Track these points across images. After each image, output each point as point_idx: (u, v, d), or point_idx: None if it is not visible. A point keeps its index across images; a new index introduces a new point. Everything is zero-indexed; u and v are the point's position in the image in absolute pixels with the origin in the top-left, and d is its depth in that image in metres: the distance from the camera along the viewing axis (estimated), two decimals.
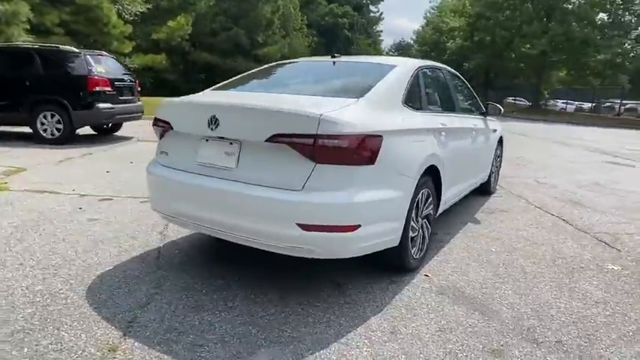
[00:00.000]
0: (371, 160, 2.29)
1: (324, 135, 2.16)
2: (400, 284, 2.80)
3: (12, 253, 2.98)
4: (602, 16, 25.44)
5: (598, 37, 24.31)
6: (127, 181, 5.18)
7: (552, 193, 5.67)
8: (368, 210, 2.30)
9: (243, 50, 31.60)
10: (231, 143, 2.43)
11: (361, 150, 2.23)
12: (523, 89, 36.86)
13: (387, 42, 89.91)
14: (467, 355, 2.08)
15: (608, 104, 27.94)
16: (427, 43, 50.23)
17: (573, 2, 25.65)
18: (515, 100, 37.54)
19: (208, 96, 2.91)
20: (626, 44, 24.76)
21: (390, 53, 70.89)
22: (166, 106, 2.83)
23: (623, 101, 27.26)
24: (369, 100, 2.54)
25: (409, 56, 66.87)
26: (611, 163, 8.92)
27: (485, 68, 35.58)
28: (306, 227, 2.18)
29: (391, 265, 2.87)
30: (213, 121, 2.42)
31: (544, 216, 4.56)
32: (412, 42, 71.83)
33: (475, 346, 2.16)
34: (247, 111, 2.42)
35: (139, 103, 9.36)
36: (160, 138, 2.85)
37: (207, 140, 2.53)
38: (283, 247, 2.32)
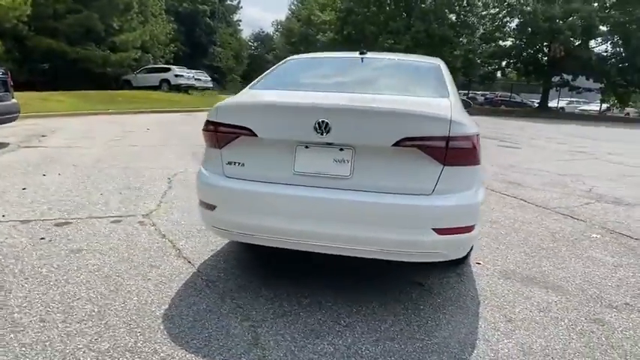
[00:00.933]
0: (479, 159, 2.37)
1: (454, 137, 2.17)
2: (468, 275, 2.97)
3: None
4: (452, 16, 29.61)
5: (453, 35, 28.28)
6: (63, 197, 4.26)
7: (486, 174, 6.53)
8: (480, 209, 2.39)
9: (97, 37, 27.96)
10: (341, 149, 2.25)
11: (477, 150, 2.30)
12: None
13: (245, 32, 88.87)
14: (585, 329, 2.35)
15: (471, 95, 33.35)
16: (295, 35, 51.50)
17: (429, 2, 29.32)
18: None
19: (296, 97, 2.52)
20: (475, 42, 29.32)
21: (251, 43, 70.41)
22: (244, 109, 2.46)
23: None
24: (455, 100, 2.61)
25: (272, 47, 67.49)
26: (503, 147, 10.57)
27: None
28: (440, 231, 2.17)
29: (457, 259, 2.98)
30: (323, 126, 2.20)
31: (504, 197, 5.25)
32: (274, 33, 72.68)
33: (578, 319, 2.45)
34: (370, 114, 2.25)
35: (14, 101, 7.65)
36: (220, 146, 2.45)
37: (306, 147, 2.29)
38: (414, 253, 2.27)
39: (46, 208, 3.94)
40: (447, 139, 2.16)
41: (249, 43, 68.93)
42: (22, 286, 2.51)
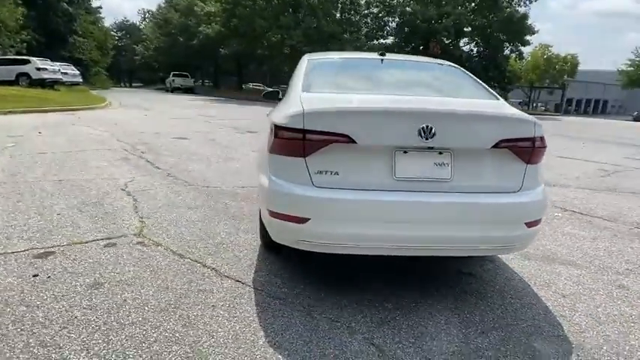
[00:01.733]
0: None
1: (537, 138, 2.39)
2: (498, 260, 3.27)
3: None
4: (337, 14, 31.05)
5: (341, 32, 29.64)
6: (12, 222, 3.50)
7: None
8: None
9: None
10: (440, 153, 2.30)
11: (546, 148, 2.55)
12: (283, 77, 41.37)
13: (107, 21, 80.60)
14: (619, 294, 2.80)
15: None
16: (174, 26, 48.49)
17: None
18: (254, 85, 43.25)
19: (395, 102, 2.49)
20: (361, 40, 31.15)
21: (114, 33, 64.29)
22: (343, 115, 2.32)
23: None
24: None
25: (142, 38, 62.09)
26: None
27: (241, 55, 37.52)
28: (529, 224, 2.38)
29: None
30: (428, 131, 2.23)
31: None
32: (141, 22, 67.35)
33: (607, 287, 2.91)
34: (473, 118, 2.36)
35: None
36: (306, 154, 2.29)
37: (405, 152, 2.29)
38: (503, 247, 2.45)
39: (15, 237, 3.20)
40: (533, 140, 2.38)
41: (113, 33, 62.75)
42: (71, 340, 2.04)
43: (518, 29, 28.92)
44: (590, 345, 2.22)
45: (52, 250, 3.02)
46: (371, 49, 32.14)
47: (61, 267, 2.76)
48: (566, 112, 54.35)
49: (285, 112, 2.47)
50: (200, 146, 8.04)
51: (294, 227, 2.33)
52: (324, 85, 2.88)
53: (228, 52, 35.53)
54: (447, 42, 30.12)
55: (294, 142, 2.31)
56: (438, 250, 2.42)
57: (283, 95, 4.90)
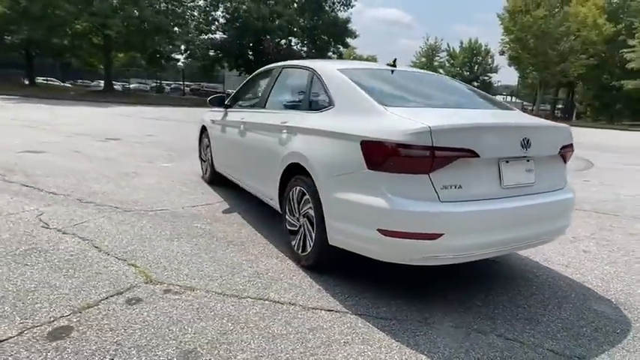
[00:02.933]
0: None
1: (572, 142, 2.93)
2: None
3: None
4: (163, 5, 28.61)
5: (169, 24, 27.39)
6: None
7: None
8: None
9: None
10: (528, 160, 2.61)
11: None
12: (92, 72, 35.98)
13: None
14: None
15: (174, 86, 33.15)
16: None
17: None
18: (47, 80, 37.11)
19: (500, 117, 2.91)
20: (192, 34, 29.41)
21: None
22: (466, 131, 2.41)
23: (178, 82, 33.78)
24: None
25: None
26: None
27: (31, 43, 31.04)
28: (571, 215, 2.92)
29: None
30: (526, 142, 2.52)
31: None
32: None
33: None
34: (549, 129, 2.77)
35: None
36: (431, 170, 2.32)
37: (507, 162, 2.51)
38: (558, 234, 2.90)
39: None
40: (571, 145, 2.91)
41: None
42: None
43: (341, 32, 32.02)
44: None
45: (63, 324, 2.23)
46: (203, 45, 30.98)
47: (99, 340, 2.08)
48: None
49: (390, 127, 2.41)
50: (73, 161, 6.61)
51: (423, 244, 2.33)
52: (393, 99, 2.88)
53: (16, 40, 29.05)
54: (280, 41, 31.23)
55: (421, 159, 2.30)
56: (527, 245, 2.77)
57: (233, 101, 4.54)
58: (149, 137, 10.01)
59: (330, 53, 33.75)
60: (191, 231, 3.76)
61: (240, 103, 4.75)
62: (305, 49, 33.55)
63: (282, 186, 3.34)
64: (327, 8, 32.11)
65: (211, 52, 29.88)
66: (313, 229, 2.91)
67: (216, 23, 31.43)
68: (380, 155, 2.39)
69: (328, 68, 3.30)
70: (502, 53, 32.12)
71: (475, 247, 2.45)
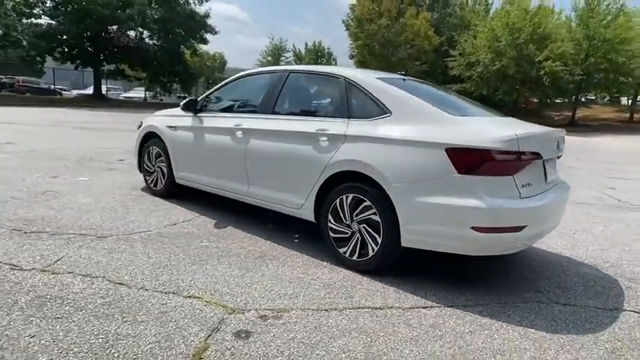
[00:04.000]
0: None
1: None
2: None
3: None
4: None
5: None
6: None
7: None
8: None
9: None
10: (556, 160, 3.19)
11: None
12: None
13: None
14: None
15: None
16: None
17: None
18: None
19: (523, 125, 3.28)
20: (11, 17, 24.10)
21: None
22: (537, 138, 2.90)
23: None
24: None
25: None
26: None
27: None
28: None
29: None
30: (558, 145, 3.11)
31: None
32: None
33: None
34: (562, 133, 3.29)
35: None
36: (515, 172, 2.73)
37: (547, 162, 3.03)
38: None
39: None
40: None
41: None
42: None
43: (200, 27, 30.47)
44: None
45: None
46: (26, 30, 26.01)
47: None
48: None
49: (478, 135, 2.72)
50: None
51: (510, 237, 2.70)
52: (445, 107, 3.10)
53: None
54: (130, 33, 28.16)
55: (510, 162, 2.67)
56: (551, 230, 3.32)
57: (205, 106, 4.25)
58: (14, 146, 8.24)
59: (184, 49, 31.98)
60: (207, 251, 3.42)
61: (219, 107, 4.41)
62: (158, 42, 31.06)
63: (320, 194, 3.32)
64: (180, 0, 30.26)
65: (37, 41, 24.93)
66: (379, 234, 3.00)
67: (42, 5, 26.61)
68: (474, 161, 2.65)
69: (367, 77, 3.39)
70: (352, 57, 35.20)
71: (537, 235, 2.94)
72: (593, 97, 40.74)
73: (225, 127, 4.03)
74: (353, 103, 3.33)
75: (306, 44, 60.19)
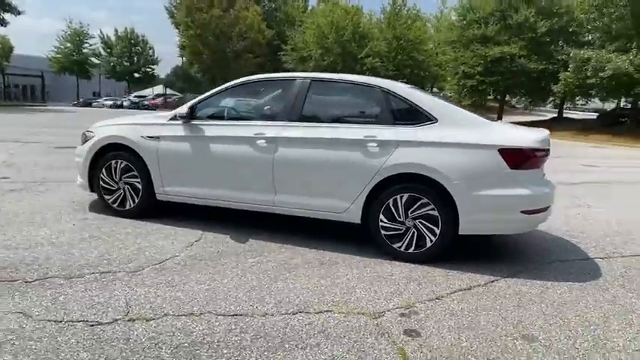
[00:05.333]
0: None
1: None
2: None
3: None
4: None
5: None
6: None
7: None
8: None
9: None
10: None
11: None
12: None
13: None
14: None
15: None
16: None
17: None
18: None
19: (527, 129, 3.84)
20: None
21: None
22: (548, 138, 3.53)
23: None
24: None
25: None
26: None
27: None
28: None
29: None
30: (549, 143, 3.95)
31: None
32: None
33: None
34: None
35: None
36: (541, 165, 3.51)
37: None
38: None
39: None
40: None
41: None
42: None
43: None
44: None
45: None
46: None
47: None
48: (8, 98, 50.48)
49: (521, 137, 3.46)
50: None
51: (542, 215, 3.53)
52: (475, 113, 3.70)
53: None
54: None
55: (542, 158, 3.47)
56: None
57: (201, 113, 4.11)
58: None
59: None
60: (269, 266, 3.33)
61: (223, 115, 4.14)
62: None
63: (369, 197, 3.59)
64: None
65: None
66: (437, 226, 3.46)
67: None
68: (522, 158, 3.33)
69: (403, 87, 3.79)
70: (183, 48, 33.28)
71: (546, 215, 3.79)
72: None
73: (241, 137, 3.85)
74: (394, 110, 3.66)
75: (116, 30, 54.40)
